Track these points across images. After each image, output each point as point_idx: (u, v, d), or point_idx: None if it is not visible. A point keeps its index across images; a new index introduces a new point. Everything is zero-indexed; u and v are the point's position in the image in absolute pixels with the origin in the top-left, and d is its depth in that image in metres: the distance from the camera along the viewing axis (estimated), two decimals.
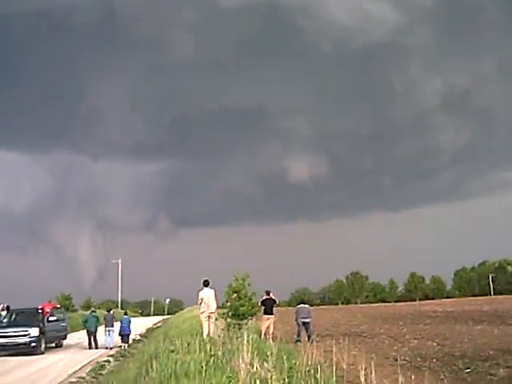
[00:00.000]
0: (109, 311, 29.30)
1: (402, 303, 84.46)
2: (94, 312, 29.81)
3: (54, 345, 27.36)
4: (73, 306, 70.64)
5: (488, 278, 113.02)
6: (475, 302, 62.81)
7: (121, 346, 26.19)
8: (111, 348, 26.03)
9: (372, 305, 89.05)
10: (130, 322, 27.86)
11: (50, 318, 26.66)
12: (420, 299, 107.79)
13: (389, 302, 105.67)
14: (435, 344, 19.15)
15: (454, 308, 47.49)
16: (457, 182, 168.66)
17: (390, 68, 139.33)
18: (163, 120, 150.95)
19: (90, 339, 27.19)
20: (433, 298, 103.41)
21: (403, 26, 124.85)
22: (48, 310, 27.22)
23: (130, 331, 27.75)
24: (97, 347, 26.84)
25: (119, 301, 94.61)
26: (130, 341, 28.12)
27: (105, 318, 27.85)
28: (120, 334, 27.08)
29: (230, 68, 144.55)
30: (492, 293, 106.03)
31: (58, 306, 32.65)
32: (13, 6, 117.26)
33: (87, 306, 67.84)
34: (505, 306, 45.11)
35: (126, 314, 30.55)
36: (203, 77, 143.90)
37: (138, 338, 31.50)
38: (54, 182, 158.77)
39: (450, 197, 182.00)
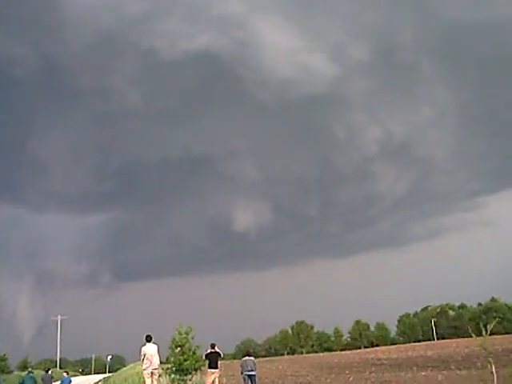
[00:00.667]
0: (47, 371, 28.08)
1: (348, 351, 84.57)
2: (31, 373, 28.41)
3: None
4: (8, 367, 67.55)
5: (430, 322, 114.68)
6: (419, 347, 63.48)
7: None
8: None
9: (318, 354, 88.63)
10: (70, 381, 26.73)
11: None
12: (365, 346, 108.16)
13: (335, 350, 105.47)
14: None
15: (398, 355, 47.81)
16: (398, 228, 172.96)
17: (331, 117, 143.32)
18: (108, 170, 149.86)
19: None
20: (378, 345, 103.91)
21: (341, 78, 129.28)
22: None
23: None
24: None
25: (58, 359, 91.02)
26: None
27: (42, 379, 26.63)
28: None
29: (175, 117, 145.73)
30: (435, 337, 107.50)
31: None
32: None
33: (23, 367, 65.06)
34: (447, 351, 45.78)
35: (67, 373, 29.29)
36: (148, 126, 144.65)
37: None
38: None
39: (391, 243, 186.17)
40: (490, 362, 11.75)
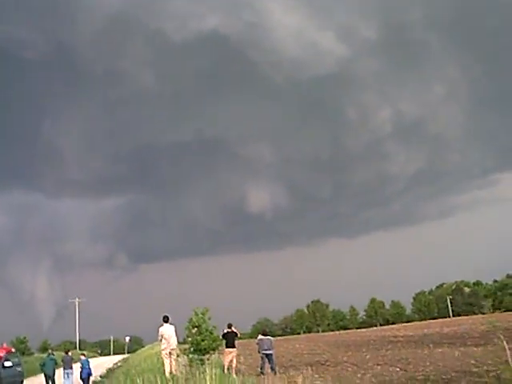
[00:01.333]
0: (67, 353, 28.45)
1: (364, 329, 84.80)
2: (52, 354, 28.84)
3: None
4: (29, 349, 68.63)
5: (446, 300, 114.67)
6: (435, 324, 63.55)
7: None
8: None
9: (334, 333, 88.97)
10: (88, 363, 27.08)
11: (5, 364, 25.63)
12: (381, 324, 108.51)
13: (350, 328, 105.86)
14: (398, 369, 19.22)
15: (414, 332, 47.86)
16: (411, 206, 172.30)
17: (343, 97, 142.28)
18: (122, 154, 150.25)
19: (48, 383, 26.26)
20: (393, 323, 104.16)
21: (350, 58, 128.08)
22: (2, 355, 26.19)
23: (91, 373, 26.91)
24: None
25: (77, 341, 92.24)
26: (90, 383, 27.28)
27: (63, 361, 26.99)
28: (81, 378, 26.20)
29: (188, 99, 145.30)
30: (451, 314, 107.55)
31: (13, 350, 31.52)
32: None
33: (44, 349, 65.98)
34: (463, 327, 45.76)
35: (84, 355, 29.67)
36: (161, 109, 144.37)
37: (99, 379, 30.62)
38: (10, 221, 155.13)
39: (405, 221, 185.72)
40: (499, 338, 11.76)
